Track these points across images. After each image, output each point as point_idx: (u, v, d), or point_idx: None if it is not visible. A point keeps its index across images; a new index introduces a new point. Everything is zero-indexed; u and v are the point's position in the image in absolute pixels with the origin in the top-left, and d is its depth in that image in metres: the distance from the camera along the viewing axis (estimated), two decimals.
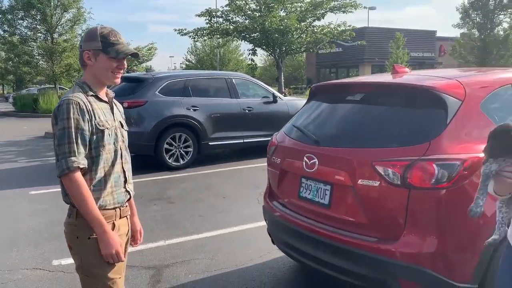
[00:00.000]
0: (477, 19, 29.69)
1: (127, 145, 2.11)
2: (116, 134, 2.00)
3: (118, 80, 1.98)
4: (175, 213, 5.43)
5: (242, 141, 8.50)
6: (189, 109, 7.94)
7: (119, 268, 1.97)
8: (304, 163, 2.99)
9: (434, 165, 2.42)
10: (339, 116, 3.19)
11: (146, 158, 8.30)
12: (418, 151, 2.49)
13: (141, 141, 7.58)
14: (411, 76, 3.32)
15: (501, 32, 29.71)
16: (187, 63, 49.04)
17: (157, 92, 7.80)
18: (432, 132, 2.55)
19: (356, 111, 3.09)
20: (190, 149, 7.97)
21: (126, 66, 2.00)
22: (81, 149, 1.86)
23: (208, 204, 5.82)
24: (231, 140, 8.41)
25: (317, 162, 2.91)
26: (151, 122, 7.61)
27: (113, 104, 2.07)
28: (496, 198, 1.75)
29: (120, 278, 1.98)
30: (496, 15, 29.35)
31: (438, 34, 40.39)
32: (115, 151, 1.98)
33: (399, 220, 2.52)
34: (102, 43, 1.91)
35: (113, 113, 2.03)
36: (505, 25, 29.71)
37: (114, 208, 1.98)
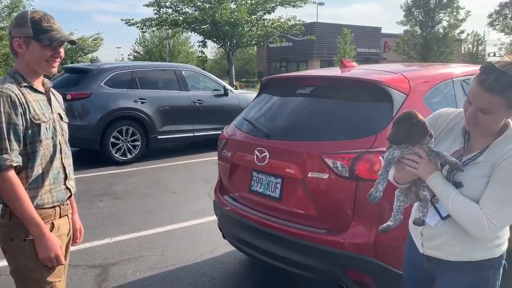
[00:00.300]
0: (419, 17, 31.04)
1: (67, 138, 1.98)
2: (54, 128, 1.85)
3: (55, 69, 1.83)
4: (122, 209, 5.25)
5: (192, 134, 8.37)
6: (137, 102, 7.70)
7: (59, 270, 1.84)
8: (255, 156, 2.97)
9: (381, 157, 2.47)
10: (290, 109, 3.19)
11: (92, 153, 7.98)
12: (365, 144, 2.54)
13: (86, 135, 7.27)
14: (358, 70, 3.38)
15: (441, 30, 31.24)
16: (135, 54, 47.66)
17: (102, 84, 7.50)
18: (378, 125, 2.61)
19: (306, 104, 3.11)
20: (138, 143, 7.74)
21: (63, 54, 1.85)
22: (14, 145, 1.71)
23: (157, 199, 5.69)
24: (181, 133, 8.26)
25: (268, 156, 2.89)
26: (96, 115, 7.30)
27: (51, 95, 1.91)
28: (396, 186, 1.78)
29: (60, 281, 1.86)
30: (436, 14, 30.80)
31: (383, 31, 41.81)
32: (54, 146, 1.85)
33: (347, 211, 2.56)
34: (34, 30, 1.75)
35: (50, 105, 1.88)
36: (445, 23, 31.27)
37: (53, 207, 1.85)
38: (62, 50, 1.83)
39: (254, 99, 3.61)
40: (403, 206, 1.75)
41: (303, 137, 2.87)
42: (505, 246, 1.69)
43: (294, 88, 3.22)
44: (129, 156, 7.66)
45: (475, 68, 3.50)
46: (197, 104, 8.40)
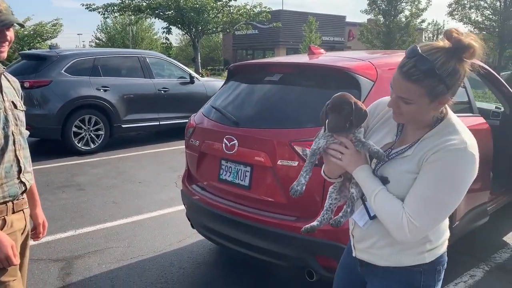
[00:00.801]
0: (383, 6, 31.48)
1: (23, 128, 1.84)
2: (6, 118, 1.71)
3: (4, 54, 1.67)
4: (86, 201, 5.10)
5: (158, 123, 8.21)
6: (99, 90, 7.46)
7: (13, 269, 1.72)
8: (223, 145, 2.93)
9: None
10: (258, 97, 3.15)
11: (53, 143, 7.71)
12: None
13: (46, 125, 6.99)
14: (326, 57, 3.38)
15: (403, 19, 31.87)
16: (97, 41, 46.18)
17: (63, 71, 7.21)
18: None
19: (275, 91, 3.08)
20: (101, 132, 7.52)
21: (11, 38, 1.70)
22: None
23: (122, 190, 5.55)
24: (146, 122, 8.08)
25: (237, 144, 2.86)
26: (56, 103, 7.03)
27: (2, 81, 1.77)
28: (331, 182, 1.64)
29: (15, 280, 1.73)
30: (399, 3, 31.35)
31: (348, 20, 42.29)
32: (6, 137, 1.70)
33: (316, 198, 2.57)
34: None
35: (2, 92, 1.74)
36: (407, 12, 31.90)
37: (5, 202, 1.72)
38: (10, 33, 1.68)
39: (222, 86, 3.56)
40: (335, 205, 1.59)
41: (272, 125, 2.85)
42: (440, 250, 1.53)
43: (263, 75, 3.19)
44: (92, 145, 7.44)
45: None
46: (163, 92, 8.23)
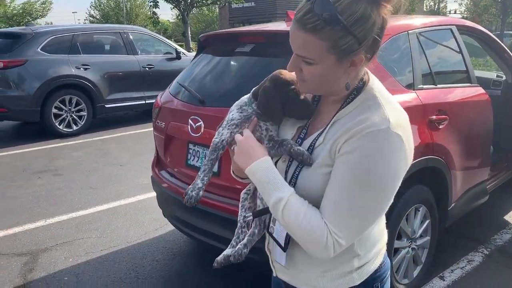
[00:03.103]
0: None
1: None
2: None
3: None
4: (62, 187, 4.81)
5: (143, 102, 7.85)
6: (79, 68, 7.08)
7: None
8: (189, 126, 2.60)
9: None
10: (228, 71, 2.81)
11: (33, 126, 7.39)
12: None
13: (23, 107, 6.67)
14: None
15: None
16: (91, 19, 45.26)
17: (39, 50, 6.82)
18: None
19: (246, 64, 2.74)
20: (84, 113, 7.19)
21: None
22: None
23: (102, 174, 5.26)
24: (131, 101, 7.72)
25: (202, 125, 2.53)
26: (33, 84, 6.67)
27: None
28: (242, 184, 1.30)
29: None
30: None
31: None
32: None
33: None
34: None
35: None
36: None
37: None
38: None
39: (192, 60, 3.20)
40: (249, 217, 1.22)
41: None
42: (373, 265, 1.16)
43: (234, 46, 2.83)
44: (74, 127, 7.12)
45: (436, 19, 3.21)
46: (147, 69, 7.85)
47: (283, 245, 1.12)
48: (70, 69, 6.98)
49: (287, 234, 1.10)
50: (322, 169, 1.04)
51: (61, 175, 5.23)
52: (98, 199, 4.43)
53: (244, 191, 1.27)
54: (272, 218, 1.15)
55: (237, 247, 1.20)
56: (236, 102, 1.20)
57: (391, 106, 1.04)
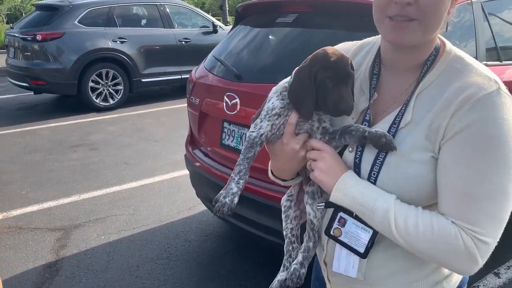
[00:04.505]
0: None
1: None
2: None
3: None
4: (97, 161, 4.79)
5: (180, 76, 7.72)
6: (116, 41, 7.01)
7: None
8: (224, 103, 2.42)
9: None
10: (268, 44, 2.59)
11: (70, 99, 7.43)
12: None
13: (61, 80, 6.68)
14: None
15: None
16: None
17: (76, 22, 6.77)
18: None
19: (289, 36, 2.50)
20: (120, 87, 7.15)
21: None
22: None
23: (137, 149, 5.20)
24: (167, 76, 7.61)
25: (239, 102, 2.34)
26: (71, 57, 6.65)
27: None
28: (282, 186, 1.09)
29: None
30: None
31: None
32: None
33: None
34: None
35: None
36: None
37: None
38: None
39: (229, 32, 3.00)
40: (297, 228, 1.04)
41: (282, 79, 2.29)
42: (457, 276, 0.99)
43: (275, 16, 2.60)
44: (111, 101, 7.10)
45: None
46: (184, 42, 7.69)
47: (362, 250, 0.91)
48: (107, 42, 6.92)
49: (372, 235, 0.90)
50: (417, 155, 0.84)
51: (96, 149, 5.21)
52: (132, 175, 4.37)
53: (285, 197, 1.07)
54: (334, 217, 0.94)
55: (292, 268, 1.01)
56: (275, 88, 1.00)
57: (482, 66, 0.88)
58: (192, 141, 2.98)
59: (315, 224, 0.98)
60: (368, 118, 0.92)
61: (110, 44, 6.94)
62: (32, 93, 7.34)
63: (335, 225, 0.93)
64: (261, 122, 0.95)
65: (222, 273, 2.77)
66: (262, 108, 0.97)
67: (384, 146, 0.86)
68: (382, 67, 0.95)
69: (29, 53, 6.63)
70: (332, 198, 0.90)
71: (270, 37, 2.60)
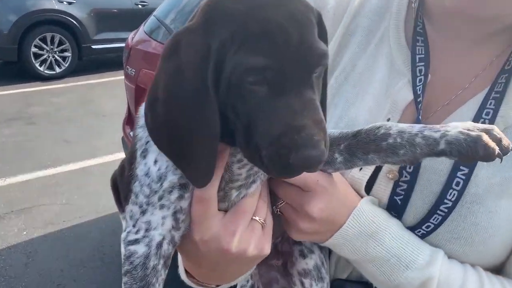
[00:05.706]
0: None
1: None
2: None
3: None
4: (32, 138, 4.19)
5: None
6: (62, 2, 6.26)
7: None
8: None
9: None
10: None
11: (10, 66, 6.65)
12: None
13: None
14: None
15: None
16: None
17: None
18: None
19: None
20: (68, 54, 6.44)
21: None
22: None
23: (81, 125, 4.62)
24: (122, 42, 6.88)
25: None
26: (9, 18, 5.89)
27: None
28: None
29: None
30: None
31: None
32: None
33: None
34: None
35: None
36: None
37: None
38: None
39: None
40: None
41: None
42: None
43: None
44: (57, 69, 6.39)
45: None
46: (140, 6, 6.99)
47: None
48: (51, 3, 6.17)
49: None
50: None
51: (34, 124, 4.59)
52: (71, 155, 3.82)
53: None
54: None
55: None
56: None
57: None
58: (130, 121, 2.48)
59: None
60: (417, 116, 0.53)
61: (56, 5, 6.19)
62: None
63: None
64: (144, 214, 0.51)
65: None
66: (131, 173, 0.51)
67: (484, 156, 0.45)
68: (428, 25, 0.55)
69: None
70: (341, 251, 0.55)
71: None
